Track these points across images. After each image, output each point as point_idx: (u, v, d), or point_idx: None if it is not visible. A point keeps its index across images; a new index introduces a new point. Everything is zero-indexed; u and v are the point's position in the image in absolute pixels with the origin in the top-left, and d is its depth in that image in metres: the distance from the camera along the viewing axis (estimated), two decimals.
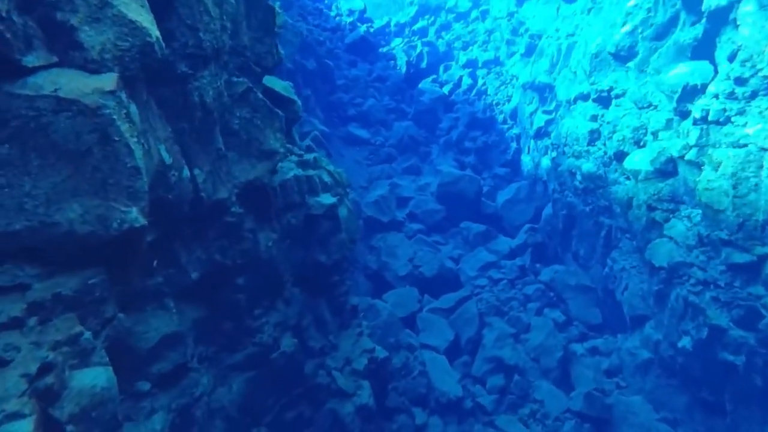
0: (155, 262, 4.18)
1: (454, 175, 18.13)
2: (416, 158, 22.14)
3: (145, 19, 3.74)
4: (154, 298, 4.18)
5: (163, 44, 3.95)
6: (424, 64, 26.89)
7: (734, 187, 7.68)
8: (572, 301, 12.64)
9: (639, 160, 10.22)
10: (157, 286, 4.21)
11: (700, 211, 8.76)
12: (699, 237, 8.75)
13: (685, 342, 9.06)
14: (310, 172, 7.21)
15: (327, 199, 7.18)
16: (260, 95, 5.64)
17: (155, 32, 3.82)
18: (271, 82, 7.21)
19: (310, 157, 7.42)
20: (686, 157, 9.01)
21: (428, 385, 9.84)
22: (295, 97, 7.66)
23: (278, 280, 6.22)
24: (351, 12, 29.97)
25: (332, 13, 28.92)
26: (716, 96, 8.55)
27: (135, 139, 3.62)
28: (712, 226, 8.30)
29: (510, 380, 10.57)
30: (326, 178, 7.54)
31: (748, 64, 7.98)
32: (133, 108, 3.67)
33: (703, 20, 9.23)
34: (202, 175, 4.77)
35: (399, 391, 9.06)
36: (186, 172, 4.50)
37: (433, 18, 29.26)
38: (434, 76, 25.98)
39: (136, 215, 3.51)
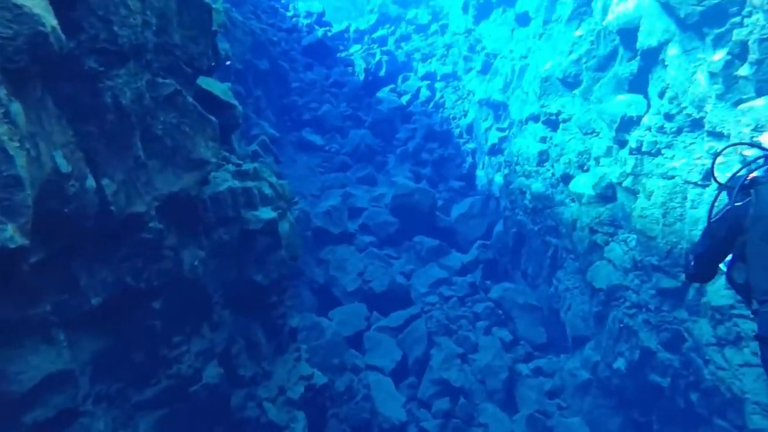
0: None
1: (408, 188, 17.89)
2: (372, 168, 21.76)
3: (37, 5, 3.14)
4: (38, 330, 3.52)
5: (63, 36, 3.35)
6: (382, 73, 26.65)
7: (664, 215, 7.97)
8: (519, 320, 12.61)
9: (583, 184, 10.42)
10: (42, 316, 3.55)
11: (635, 237, 8.97)
12: (634, 261, 9.00)
13: (620, 363, 9.26)
14: (249, 183, 6.65)
15: (266, 213, 6.64)
16: (190, 99, 5.07)
17: (51, 21, 3.22)
18: (209, 84, 6.62)
19: (249, 167, 6.86)
20: (624, 184, 9.30)
21: (372, 410, 9.41)
22: (236, 102, 7.11)
23: (205, 302, 5.62)
24: (309, 14, 29.37)
25: (289, 14, 28.20)
26: (649, 128, 8.95)
27: (16, 144, 3.01)
28: (645, 251, 8.57)
29: (455, 403, 10.32)
30: (267, 191, 7.00)
31: (675, 102, 8.42)
32: (15, 107, 3.06)
33: (638, 57, 9.61)
34: (112, 185, 4.16)
35: (340, 418, 8.58)
36: (90, 183, 3.88)
37: (393, 28, 29.17)
38: (393, 86, 25.79)
39: (11, 233, 2.89)
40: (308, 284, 14.34)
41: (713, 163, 3.16)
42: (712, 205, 2.97)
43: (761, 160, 2.83)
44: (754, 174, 2.80)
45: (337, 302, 13.60)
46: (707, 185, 7.37)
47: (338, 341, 11.43)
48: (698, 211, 7.43)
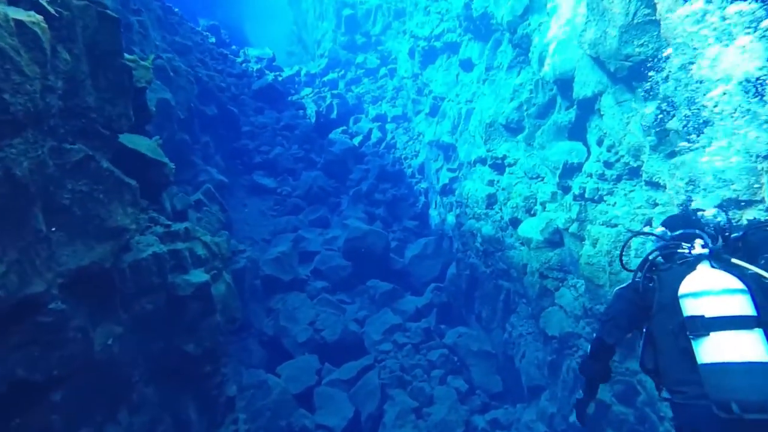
0: None
1: (361, 230, 17.67)
2: (325, 209, 21.48)
3: None
4: None
5: None
6: (334, 115, 26.83)
7: (609, 264, 8.03)
8: (475, 368, 12.36)
9: (530, 229, 10.51)
10: None
11: (584, 283, 9.02)
12: (584, 308, 8.98)
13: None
14: (179, 245, 6.22)
15: (197, 276, 6.20)
16: (105, 164, 4.69)
17: None
18: (134, 142, 6.25)
19: (180, 227, 6.44)
20: (570, 230, 9.40)
21: None
22: (165, 159, 6.74)
23: (122, 382, 5.06)
24: (260, 59, 29.52)
25: (239, 59, 28.23)
26: (590, 175, 9.15)
27: None
28: (594, 299, 8.56)
29: None
30: (200, 251, 6.58)
31: (613, 150, 8.68)
32: None
33: (575, 106, 9.95)
34: (0, 267, 3.68)
35: None
36: None
37: (343, 71, 29.69)
38: (344, 128, 25.96)
39: None
40: (257, 336, 13.63)
41: (621, 253, 3.42)
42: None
43: (660, 246, 2.92)
44: (656, 257, 2.86)
45: (288, 354, 12.95)
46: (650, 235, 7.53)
47: (286, 400, 10.77)
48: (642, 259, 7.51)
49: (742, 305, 2.23)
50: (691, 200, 6.59)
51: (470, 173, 15.08)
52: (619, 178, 8.70)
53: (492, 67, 15.51)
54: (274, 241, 18.28)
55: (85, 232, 4.45)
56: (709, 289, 2.32)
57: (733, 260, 2.43)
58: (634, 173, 8.50)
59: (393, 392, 11.51)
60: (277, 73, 29.03)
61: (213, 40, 28.59)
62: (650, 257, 2.85)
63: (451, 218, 17.02)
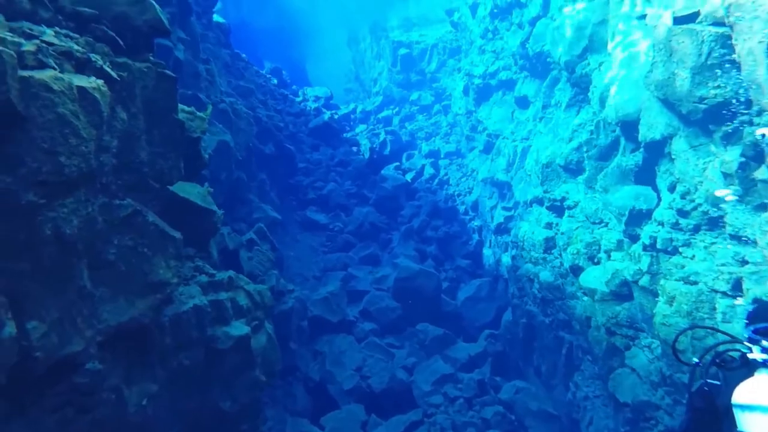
0: None
1: (411, 270, 17.22)
2: (376, 246, 21.29)
3: None
4: None
5: None
6: (387, 151, 27.00)
7: (691, 327, 7.06)
8: (534, 431, 11.36)
9: (594, 278, 9.68)
10: None
11: (660, 344, 8.05)
12: (662, 375, 7.96)
13: None
14: (222, 295, 6.13)
15: (238, 329, 6.05)
16: (151, 218, 4.69)
17: None
18: (185, 190, 6.33)
19: (224, 276, 6.38)
20: (640, 283, 8.52)
21: None
22: (214, 207, 6.78)
23: None
24: (317, 98, 30.51)
25: (298, 99, 29.34)
26: (662, 224, 8.31)
27: None
28: (673, 365, 7.56)
29: None
30: (242, 301, 6.46)
31: (688, 198, 7.85)
32: None
33: (641, 149, 9.22)
34: (42, 327, 3.64)
35: None
36: (9, 330, 3.37)
37: (397, 108, 30.05)
38: (397, 164, 26.00)
39: None
40: (303, 381, 13.36)
41: (674, 345, 3.01)
42: (691, 378, 2.58)
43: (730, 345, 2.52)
44: (727, 353, 2.46)
45: (333, 402, 12.53)
46: (739, 296, 6.63)
47: None
48: (731, 326, 6.58)
49: None
50: None
51: (526, 213, 14.39)
52: (696, 229, 7.82)
53: (549, 105, 14.98)
54: (324, 279, 18.21)
55: (127, 288, 4.42)
56: (761, 404, 2.04)
57: None
58: (714, 224, 7.61)
59: None
60: (334, 111, 29.83)
61: (275, 81, 29.97)
62: (718, 348, 2.48)
63: (506, 259, 16.25)
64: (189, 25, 14.16)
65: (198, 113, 6.64)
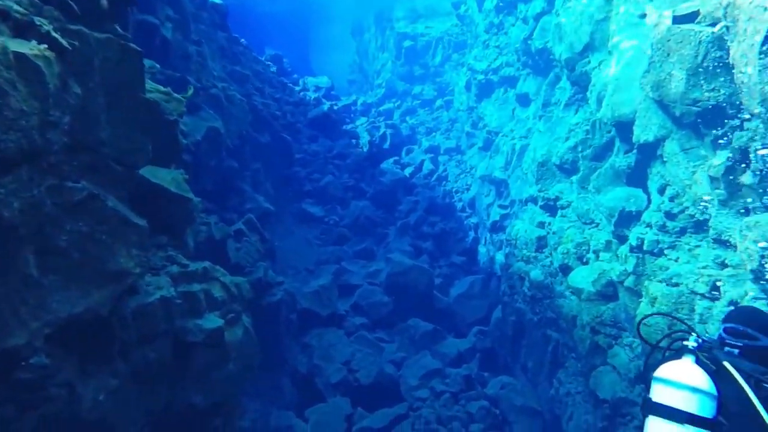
0: None
1: (404, 266, 17.04)
2: (371, 240, 21.10)
3: None
4: None
5: None
6: (387, 145, 26.71)
7: (669, 327, 6.91)
8: (518, 426, 11.23)
9: (582, 278, 9.54)
10: None
11: (641, 344, 7.91)
12: (640, 372, 7.87)
13: None
14: (195, 287, 5.94)
15: (211, 321, 5.86)
16: (110, 203, 4.48)
17: None
18: (157, 176, 6.12)
19: (198, 267, 6.18)
20: (625, 284, 8.39)
21: None
22: (190, 195, 6.56)
23: None
24: (318, 88, 30.17)
25: (297, 88, 28.99)
26: (650, 225, 8.16)
27: None
28: None
29: None
30: (217, 293, 6.27)
31: (677, 201, 7.68)
32: None
33: (635, 151, 9.01)
34: None
35: None
36: None
37: (399, 102, 29.72)
38: (396, 158, 25.74)
39: None
40: (290, 374, 13.22)
41: (638, 326, 3.04)
42: (646, 359, 2.87)
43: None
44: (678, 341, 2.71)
45: (320, 395, 12.40)
46: (716, 299, 6.46)
47: None
48: (707, 326, 6.45)
49: (689, 402, 2.29)
50: (764, 267, 5.54)
51: (521, 212, 14.17)
52: (682, 231, 7.65)
53: (549, 103, 14.69)
54: (317, 272, 18.03)
55: (81, 277, 4.22)
56: (669, 378, 2.40)
57: (726, 363, 2.36)
58: (700, 227, 7.43)
59: None
60: (334, 102, 29.50)
61: (274, 69, 29.59)
62: (673, 335, 2.76)
63: (500, 257, 16.05)
64: (179, 3, 13.80)
65: (175, 95, 6.42)
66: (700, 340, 2.57)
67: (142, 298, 5.02)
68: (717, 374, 2.35)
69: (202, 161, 13.46)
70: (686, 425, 2.26)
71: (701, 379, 2.34)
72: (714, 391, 2.29)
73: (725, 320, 2.73)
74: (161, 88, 6.46)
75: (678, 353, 2.57)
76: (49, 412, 3.91)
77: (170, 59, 13.03)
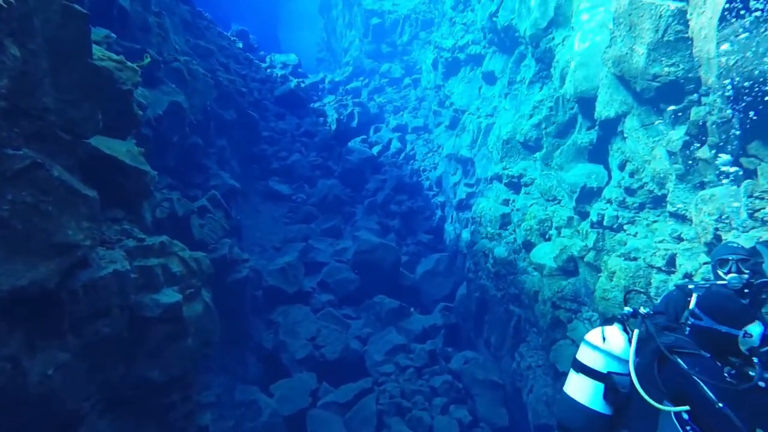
0: None
1: (371, 243, 17.11)
2: (339, 218, 21.06)
3: None
4: None
5: None
6: (354, 124, 26.46)
7: (626, 301, 7.19)
8: (480, 398, 11.59)
9: (544, 254, 9.77)
10: None
11: (598, 316, 8.23)
12: None
13: None
14: (152, 261, 5.80)
15: (169, 296, 5.75)
16: (55, 172, 4.28)
17: None
18: (111, 147, 5.88)
19: (155, 241, 6.02)
20: (585, 259, 8.62)
21: None
22: (146, 167, 6.35)
23: (67, 415, 4.61)
24: (285, 65, 29.47)
25: (264, 65, 28.23)
26: (610, 201, 8.37)
27: None
28: None
29: None
30: (176, 268, 6.14)
31: (636, 177, 7.89)
32: None
33: (597, 127, 9.19)
34: None
35: None
36: None
37: (367, 80, 29.39)
38: (364, 137, 25.57)
39: None
40: (255, 350, 13.19)
41: (625, 297, 3.43)
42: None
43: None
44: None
45: (285, 371, 12.44)
46: (672, 272, 6.76)
47: (276, 423, 10.27)
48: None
49: (587, 356, 2.79)
50: (719, 239, 5.80)
51: (487, 190, 14.38)
52: (641, 207, 7.90)
53: (515, 81, 14.81)
54: (283, 250, 17.91)
55: (26, 249, 4.04)
56: (585, 339, 2.88)
57: (635, 330, 2.68)
58: (658, 203, 7.69)
59: (390, 420, 10.85)
60: (301, 79, 28.90)
61: (240, 45, 28.69)
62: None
63: (466, 235, 16.31)
64: None
65: (129, 63, 6.14)
66: (629, 311, 2.85)
67: (94, 272, 4.86)
68: (641, 340, 2.64)
69: (165, 136, 13.01)
70: (579, 374, 2.80)
71: (605, 341, 2.75)
72: (619, 352, 2.66)
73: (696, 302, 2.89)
74: (114, 56, 6.17)
75: (610, 321, 2.92)
76: None
77: (129, 30, 12.43)
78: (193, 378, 6.22)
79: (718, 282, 2.86)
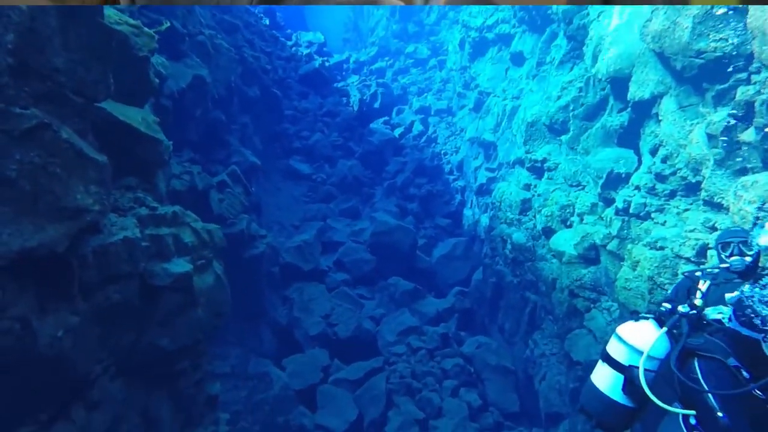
0: None
1: (388, 225, 17.00)
2: (357, 199, 20.99)
3: None
4: None
5: None
6: (377, 105, 26.16)
7: (650, 292, 6.87)
8: (490, 383, 11.48)
9: (564, 241, 9.47)
10: None
11: (618, 306, 7.95)
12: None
13: None
14: (164, 230, 5.79)
15: (179, 266, 5.74)
16: (64, 134, 4.24)
17: None
18: (126, 114, 5.84)
19: (168, 210, 6.01)
20: (608, 247, 8.30)
21: None
22: (161, 136, 6.31)
23: (78, 377, 4.66)
24: (310, 44, 29.20)
25: (290, 43, 28.01)
26: (638, 188, 7.98)
27: None
28: None
29: None
30: (187, 239, 6.13)
31: (669, 162, 7.46)
32: None
33: (629, 109, 8.72)
34: None
35: None
36: None
37: (392, 61, 28.91)
38: (386, 118, 25.26)
39: None
40: (270, 325, 13.33)
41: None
42: None
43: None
44: None
45: (298, 346, 12.56)
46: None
47: (287, 396, 10.37)
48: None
49: (614, 348, 2.85)
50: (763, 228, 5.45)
51: (509, 175, 14.04)
52: (672, 194, 7.51)
53: (544, 62, 14.29)
54: (301, 228, 17.96)
55: (34, 210, 4.03)
56: (616, 332, 2.91)
57: (663, 329, 2.70)
58: (692, 189, 7.30)
59: (399, 399, 10.85)
60: (326, 58, 28.62)
61: (267, 22, 28.49)
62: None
63: (485, 220, 16.03)
64: None
65: (146, 29, 6.05)
66: (668, 308, 2.83)
67: (105, 237, 4.86)
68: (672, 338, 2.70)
69: (187, 109, 13.03)
70: (604, 363, 2.90)
71: (634, 335, 2.76)
72: (647, 348, 2.64)
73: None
74: (130, 20, 6.09)
75: (645, 316, 2.93)
76: (2, 346, 3.81)
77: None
78: (204, 347, 6.26)
79: (721, 265, 2.84)
